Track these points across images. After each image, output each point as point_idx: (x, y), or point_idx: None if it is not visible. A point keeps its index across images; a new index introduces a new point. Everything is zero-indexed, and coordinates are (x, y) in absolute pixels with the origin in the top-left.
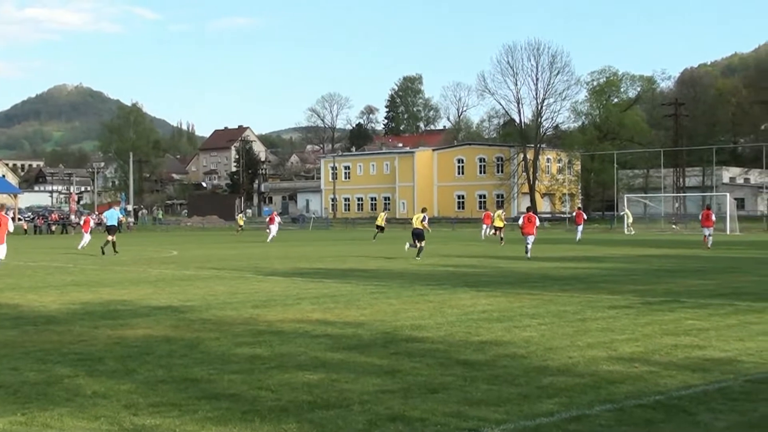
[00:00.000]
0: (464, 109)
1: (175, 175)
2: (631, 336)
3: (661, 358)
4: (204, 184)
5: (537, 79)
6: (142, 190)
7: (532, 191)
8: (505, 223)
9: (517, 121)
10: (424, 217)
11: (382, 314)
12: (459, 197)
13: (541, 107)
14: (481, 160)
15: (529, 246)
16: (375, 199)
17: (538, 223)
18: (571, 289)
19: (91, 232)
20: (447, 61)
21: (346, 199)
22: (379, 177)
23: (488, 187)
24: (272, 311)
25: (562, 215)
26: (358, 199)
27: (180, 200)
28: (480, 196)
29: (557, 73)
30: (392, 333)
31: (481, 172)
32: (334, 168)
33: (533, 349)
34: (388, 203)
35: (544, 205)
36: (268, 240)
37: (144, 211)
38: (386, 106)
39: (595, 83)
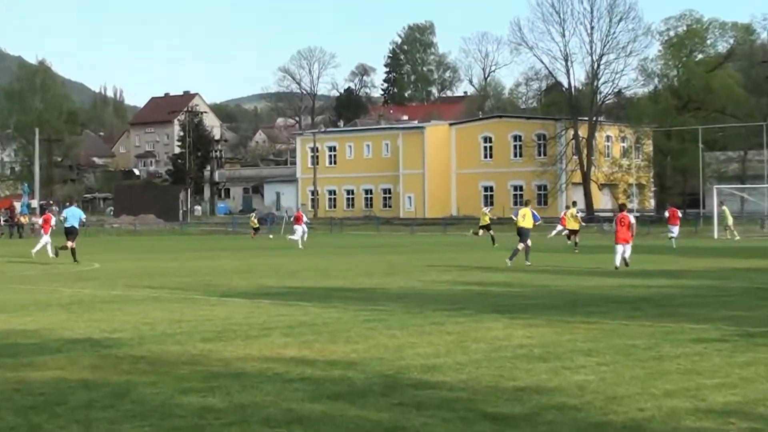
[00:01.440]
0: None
1: (97, 159)
2: (725, 380)
3: (767, 412)
4: (137, 172)
5: (592, 29)
6: (52, 179)
7: (586, 181)
8: (583, 224)
9: (565, 84)
10: (534, 214)
11: (381, 350)
12: (486, 189)
13: (598, 66)
14: (516, 138)
15: (626, 255)
16: (371, 193)
17: (633, 222)
18: (641, 316)
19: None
20: (468, 3)
21: (331, 193)
22: (376, 162)
23: (525, 176)
24: (230, 346)
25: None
26: (348, 192)
27: (104, 193)
28: (515, 189)
29: (619, 20)
30: (395, 376)
31: (516, 155)
32: (314, 150)
33: (590, 399)
34: (388, 198)
35: (602, 200)
36: (300, 246)
37: (54, 208)
38: (386, 66)
39: (671, 33)
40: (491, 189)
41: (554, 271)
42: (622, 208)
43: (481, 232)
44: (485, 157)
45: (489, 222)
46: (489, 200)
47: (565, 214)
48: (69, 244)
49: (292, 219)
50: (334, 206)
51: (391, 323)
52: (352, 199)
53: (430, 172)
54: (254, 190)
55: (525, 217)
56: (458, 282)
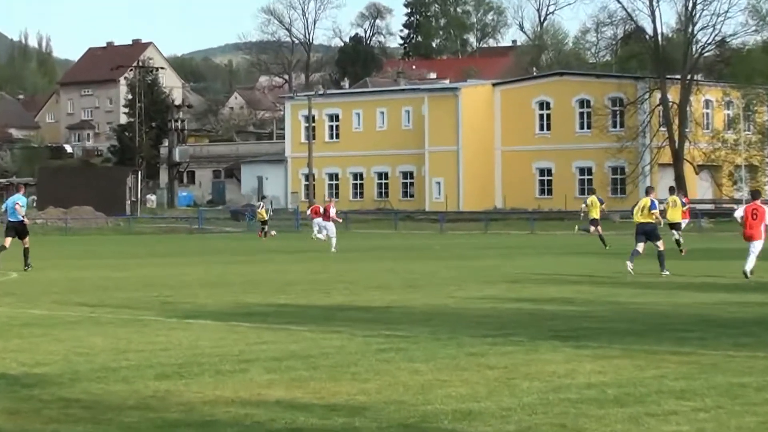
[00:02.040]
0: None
1: (14, 132)
2: None
3: None
4: (68, 149)
5: None
6: None
7: (678, 161)
8: (659, 220)
9: (650, 31)
10: (653, 203)
11: (400, 391)
12: (542, 173)
13: (694, 6)
14: (582, 104)
15: (753, 258)
16: (386, 177)
17: None
18: (753, 345)
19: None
20: None
21: (332, 177)
22: (393, 136)
23: (596, 154)
24: (194, 385)
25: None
26: (355, 177)
27: (24, 178)
28: (581, 171)
29: None
30: (418, 426)
31: (582, 127)
32: (310, 119)
33: None
34: (410, 184)
35: (700, 187)
36: (333, 249)
37: None
38: (406, 5)
39: None
40: (548, 172)
41: (635, 283)
42: (755, 195)
43: (592, 228)
44: (541, 128)
45: (598, 215)
46: (545, 189)
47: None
48: (7, 241)
49: (308, 213)
50: (337, 195)
51: (414, 354)
52: (361, 185)
53: (466, 150)
54: (228, 173)
55: (645, 209)
56: (505, 298)
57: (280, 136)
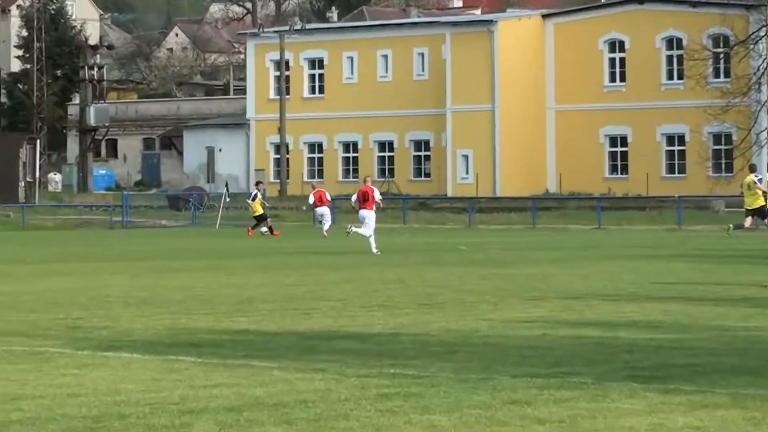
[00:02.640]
0: None
1: None
2: None
3: None
4: None
5: None
6: None
7: None
8: None
9: None
10: (760, 179)
11: None
12: (614, 142)
13: None
14: (672, 44)
15: None
16: (390, 148)
17: None
18: None
19: None
20: None
21: (313, 148)
22: (401, 89)
23: (690, 116)
24: None
25: None
26: (347, 148)
27: None
28: (669, 140)
29: None
30: None
31: (671, 77)
32: (282, 66)
33: None
34: (424, 158)
35: None
36: (324, 234)
37: None
38: None
39: None
40: (623, 142)
41: (748, 300)
42: None
43: (748, 221)
44: (612, 79)
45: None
46: (617, 165)
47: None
48: None
49: (310, 201)
50: (321, 175)
51: (430, 402)
52: (355, 160)
53: (505, 110)
54: (165, 143)
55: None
56: (561, 322)
57: (240, 90)
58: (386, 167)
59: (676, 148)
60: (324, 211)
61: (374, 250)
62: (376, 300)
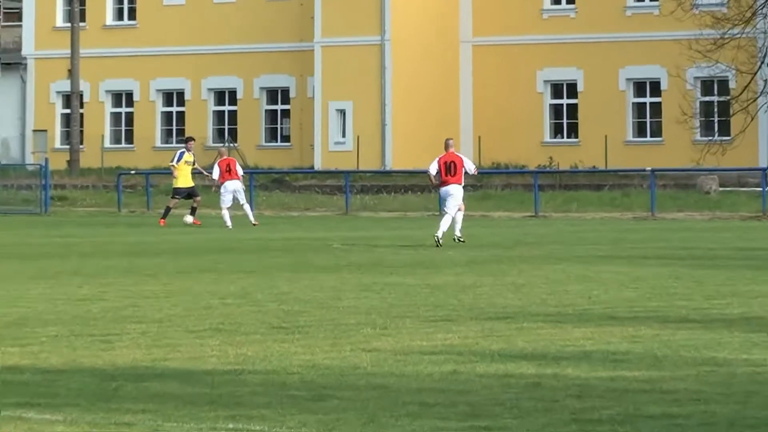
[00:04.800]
0: None
1: None
2: None
3: None
4: None
5: None
6: None
7: None
8: None
9: None
10: None
11: None
12: (557, 92)
13: None
14: None
15: None
16: (233, 100)
17: None
18: None
19: None
20: None
21: (119, 100)
22: (247, 15)
23: (668, 52)
24: None
25: None
26: (168, 101)
27: None
28: (637, 89)
29: None
30: None
31: None
32: None
33: None
34: (282, 114)
35: None
36: (228, 224)
37: None
38: None
39: None
40: (571, 91)
41: (745, 320)
42: None
43: None
44: (556, 1)
45: None
46: (567, 120)
47: None
48: None
49: (215, 175)
50: (130, 140)
51: None
52: (180, 117)
53: (399, 45)
54: None
55: None
56: (478, 353)
57: (12, 14)
58: (225, 127)
59: (647, 99)
60: (236, 186)
61: (457, 233)
62: (210, 321)
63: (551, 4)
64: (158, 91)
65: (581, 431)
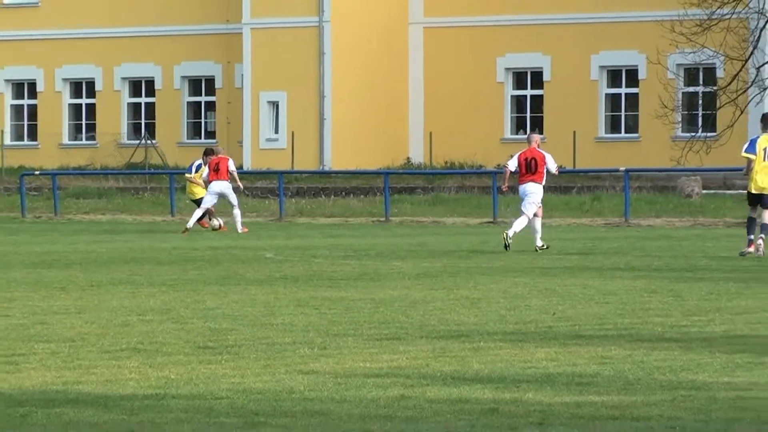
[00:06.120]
0: None
1: None
2: None
3: None
4: None
5: None
6: None
7: None
8: None
9: None
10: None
11: None
12: (520, 81)
13: None
14: None
15: None
16: (150, 91)
17: None
18: None
19: None
20: None
21: (19, 91)
22: None
23: (646, 35)
24: None
25: None
26: (77, 91)
27: None
28: (611, 77)
29: None
30: None
31: None
32: None
33: None
34: (206, 107)
35: None
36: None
37: None
38: None
39: None
40: (537, 80)
41: (731, 338)
42: None
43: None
44: None
45: None
46: (531, 113)
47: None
48: None
49: (201, 173)
50: (33, 136)
51: None
52: (91, 111)
53: (340, 26)
54: None
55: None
56: (428, 375)
57: None
58: (142, 122)
59: (622, 90)
60: (222, 187)
61: (539, 243)
62: (127, 340)
63: None
64: (65, 80)
65: None
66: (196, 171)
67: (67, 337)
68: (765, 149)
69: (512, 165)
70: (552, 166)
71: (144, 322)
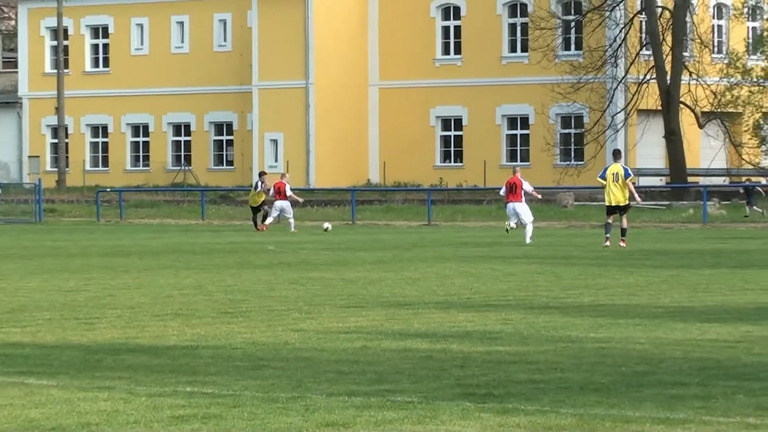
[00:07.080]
0: None
1: None
2: None
3: None
4: None
5: None
6: None
7: (671, 104)
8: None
9: None
10: (626, 170)
11: None
12: (446, 125)
13: None
14: (515, 9)
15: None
16: (187, 131)
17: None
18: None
19: None
20: None
21: (97, 131)
22: (199, 62)
23: (535, 94)
24: None
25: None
26: (135, 132)
27: None
28: (511, 123)
29: None
30: None
31: (514, 49)
32: (60, 34)
33: None
34: (227, 143)
35: (706, 149)
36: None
37: None
38: None
39: None
40: (457, 124)
41: (598, 308)
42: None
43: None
44: (446, 51)
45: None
46: (454, 148)
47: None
48: None
49: (268, 191)
50: (104, 163)
51: (233, 425)
52: (146, 145)
53: (321, 87)
54: None
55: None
56: (384, 332)
57: (10, 63)
58: (182, 154)
59: (518, 132)
60: (284, 205)
61: (528, 240)
62: (170, 308)
63: (441, 54)
64: (127, 124)
65: (463, 393)
66: (255, 188)
67: (128, 305)
68: (614, 174)
69: (502, 191)
70: (528, 188)
71: (182, 294)
